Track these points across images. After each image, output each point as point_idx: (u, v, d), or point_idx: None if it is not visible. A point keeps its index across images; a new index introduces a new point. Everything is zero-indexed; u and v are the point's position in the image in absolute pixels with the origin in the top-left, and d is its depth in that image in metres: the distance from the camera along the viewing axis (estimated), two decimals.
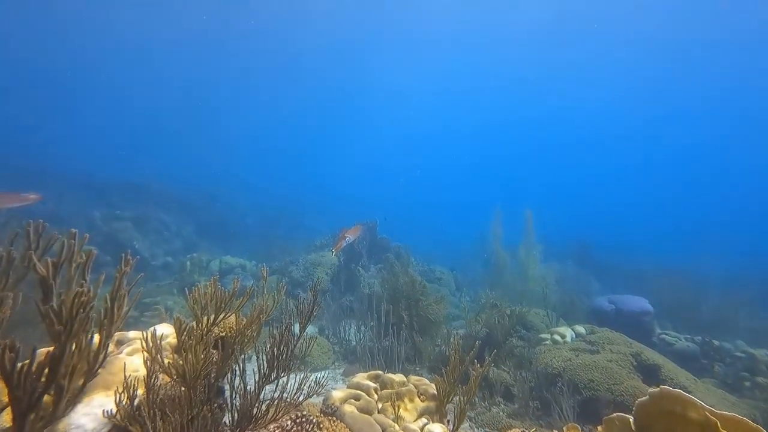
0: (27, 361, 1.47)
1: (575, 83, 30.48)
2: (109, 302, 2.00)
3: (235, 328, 2.38)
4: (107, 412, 1.69)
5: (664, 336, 5.97)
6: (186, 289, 2.32)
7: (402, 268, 5.60)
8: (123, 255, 2.04)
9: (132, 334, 2.72)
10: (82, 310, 1.69)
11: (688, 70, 26.36)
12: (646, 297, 7.05)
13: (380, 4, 23.04)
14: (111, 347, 2.55)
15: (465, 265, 11.82)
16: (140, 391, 1.98)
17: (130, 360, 2.26)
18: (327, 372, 5.14)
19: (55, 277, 1.75)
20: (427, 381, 2.52)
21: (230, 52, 28.14)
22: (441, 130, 43.42)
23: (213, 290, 2.24)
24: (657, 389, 1.58)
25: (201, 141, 41.00)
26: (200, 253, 9.95)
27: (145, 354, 2.03)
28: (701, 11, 20.21)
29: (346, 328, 5.95)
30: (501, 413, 4.13)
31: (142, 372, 2.12)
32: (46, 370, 1.56)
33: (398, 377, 2.47)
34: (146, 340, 2.02)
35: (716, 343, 5.64)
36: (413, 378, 2.55)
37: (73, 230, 1.93)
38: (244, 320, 2.47)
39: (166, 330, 2.87)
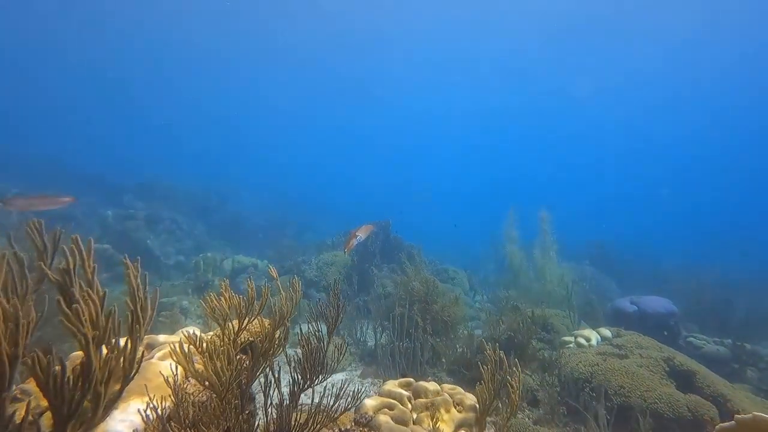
0: (59, 367, 1.38)
1: (588, 79, 30.05)
2: (131, 305, 1.90)
3: (261, 332, 2.29)
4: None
5: (691, 339, 5.77)
6: (204, 295, 2.23)
7: (415, 270, 5.47)
8: (135, 259, 1.93)
9: (162, 337, 2.64)
10: (111, 314, 1.60)
11: (719, 69, 25.82)
12: (668, 298, 6.85)
13: None
14: (141, 351, 2.48)
15: (477, 264, 11.67)
16: (169, 403, 1.91)
17: (164, 366, 2.19)
18: (344, 374, 5.04)
19: (71, 282, 1.66)
20: (462, 390, 2.40)
21: (240, 55, 28.27)
22: (452, 128, 43.06)
23: (229, 295, 2.16)
24: (749, 416, 1.41)
25: (210, 142, 41.29)
26: (213, 253, 9.92)
27: (175, 360, 1.95)
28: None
29: (362, 329, 5.84)
30: (526, 419, 3.99)
31: (178, 378, 2.05)
32: (81, 379, 1.48)
33: (432, 385, 2.35)
34: (178, 349, 1.94)
35: (748, 346, 5.42)
36: (446, 386, 2.43)
37: (74, 236, 1.82)
38: (268, 324, 2.38)
39: (195, 330, 2.80)
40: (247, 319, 2.29)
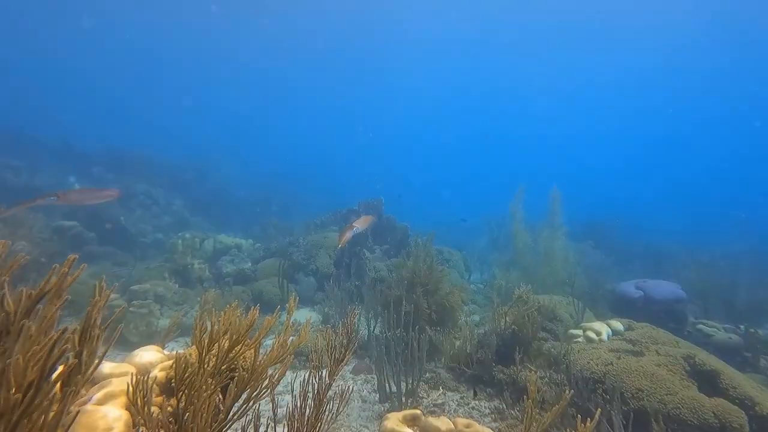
0: None
1: (591, 54, 29.13)
2: (78, 348, 1.34)
3: (249, 365, 1.74)
4: None
5: (700, 326, 5.50)
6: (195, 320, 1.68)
7: (424, 251, 5.00)
8: (97, 283, 1.39)
9: (107, 367, 2.01)
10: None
11: (718, 45, 25.13)
12: (671, 281, 6.57)
13: None
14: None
15: (470, 241, 11.31)
16: None
17: (102, 414, 1.62)
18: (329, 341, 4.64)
19: (28, 317, 1.15)
20: (480, 427, 1.95)
21: (222, 23, 26.37)
22: (448, 101, 41.77)
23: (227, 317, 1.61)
24: None
25: (187, 110, 39.23)
26: (193, 233, 9.27)
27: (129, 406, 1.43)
28: None
29: (354, 310, 5.39)
30: (534, 423, 3.64)
31: (119, 431, 1.52)
32: None
33: (444, 424, 1.89)
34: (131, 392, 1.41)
35: (761, 332, 5.17)
36: (461, 421, 1.97)
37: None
38: (262, 356, 1.84)
39: (152, 357, 2.21)
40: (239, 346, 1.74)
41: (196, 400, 1.39)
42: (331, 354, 1.70)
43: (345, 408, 1.75)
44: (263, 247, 8.22)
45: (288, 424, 1.50)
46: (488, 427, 3.51)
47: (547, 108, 39.34)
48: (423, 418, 1.96)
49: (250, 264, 7.58)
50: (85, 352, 1.37)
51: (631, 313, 5.90)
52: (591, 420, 1.88)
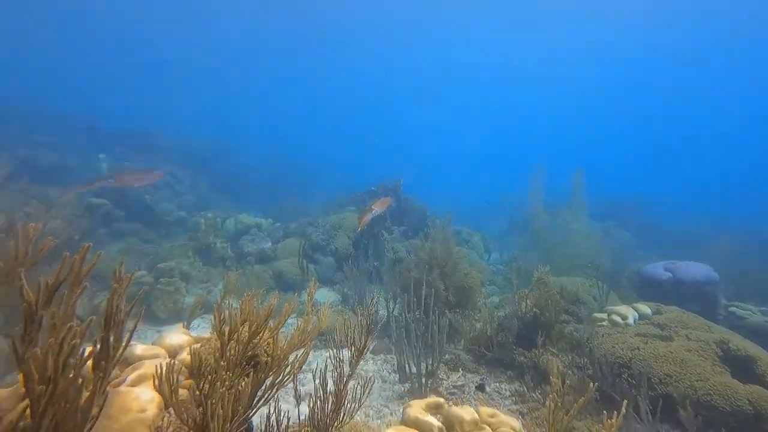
0: None
1: (608, 25, 27.45)
2: (102, 334, 1.36)
3: (272, 349, 1.73)
4: None
5: (733, 309, 5.28)
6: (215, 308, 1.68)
7: (442, 233, 4.92)
8: (116, 269, 1.39)
9: (139, 349, 2.07)
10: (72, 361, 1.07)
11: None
12: (702, 262, 6.29)
13: None
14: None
15: (491, 224, 11.13)
16: None
17: (135, 395, 1.66)
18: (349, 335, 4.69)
19: (47, 306, 1.18)
20: (504, 418, 1.91)
21: (234, 5, 25.92)
22: (463, 79, 40.42)
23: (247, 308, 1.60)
24: None
25: (205, 92, 39.34)
26: (214, 213, 9.45)
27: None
28: None
29: (373, 298, 5.40)
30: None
31: (151, 412, 1.56)
32: None
33: (468, 413, 1.86)
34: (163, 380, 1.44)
35: None
36: (485, 411, 1.94)
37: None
38: (284, 341, 1.83)
39: (180, 339, 2.26)
40: (260, 334, 1.73)
41: (217, 391, 1.39)
42: (351, 346, 1.67)
43: (367, 392, 1.73)
44: (282, 227, 8.29)
45: (310, 414, 1.49)
46: (509, 409, 3.51)
47: (567, 83, 37.61)
48: (446, 407, 1.94)
49: (270, 244, 7.68)
50: (111, 337, 1.39)
51: (659, 296, 5.71)
52: (617, 415, 1.81)
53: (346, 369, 1.64)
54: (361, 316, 1.82)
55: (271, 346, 1.72)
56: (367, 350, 1.78)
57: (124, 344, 1.44)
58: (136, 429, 1.55)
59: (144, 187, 11.18)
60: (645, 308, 4.47)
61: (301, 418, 2.29)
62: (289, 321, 5.44)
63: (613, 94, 39.24)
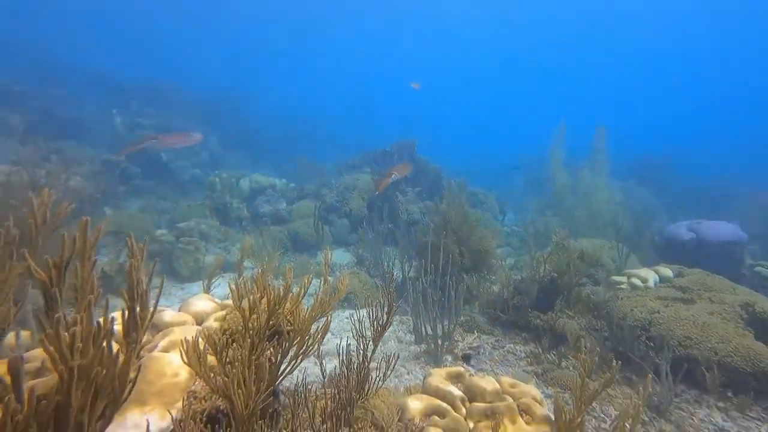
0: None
1: None
2: (129, 305, 1.38)
3: (294, 319, 1.74)
4: None
5: (759, 269, 5.14)
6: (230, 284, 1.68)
7: (457, 197, 4.81)
8: (128, 240, 1.37)
9: (168, 315, 2.14)
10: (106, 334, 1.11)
11: None
12: (728, 221, 6.04)
13: None
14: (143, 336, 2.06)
15: (506, 184, 10.88)
16: (181, 404, 1.52)
17: (168, 360, 1.72)
18: (370, 311, 4.78)
19: (60, 283, 1.21)
20: (525, 387, 1.91)
21: None
22: (476, 33, 37.94)
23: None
24: None
25: (216, 46, 38.02)
26: (229, 172, 9.43)
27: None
28: None
29: (389, 262, 5.44)
30: (571, 368, 3.66)
31: (184, 377, 1.62)
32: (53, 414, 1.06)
33: (489, 383, 1.86)
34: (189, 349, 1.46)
35: None
36: (506, 381, 1.94)
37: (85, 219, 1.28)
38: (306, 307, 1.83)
39: (205, 306, 2.32)
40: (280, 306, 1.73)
41: (243, 363, 1.41)
42: (373, 322, 1.65)
43: (392, 367, 1.73)
44: (297, 188, 8.26)
45: (336, 390, 1.51)
46: (524, 370, 3.57)
47: (587, 33, 34.92)
48: (467, 377, 1.95)
49: (285, 204, 7.69)
50: (138, 307, 1.40)
51: (681, 257, 5.58)
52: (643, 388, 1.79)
53: (368, 340, 1.62)
54: (381, 296, 1.78)
55: (294, 316, 1.72)
56: (389, 322, 1.76)
57: (151, 311, 1.46)
58: (171, 392, 1.61)
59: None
60: (667, 271, 4.37)
61: (324, 377, 2.37)
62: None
63: (640, 46, 36.47)
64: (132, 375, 1.27)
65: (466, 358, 3.64)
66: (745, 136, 28.93)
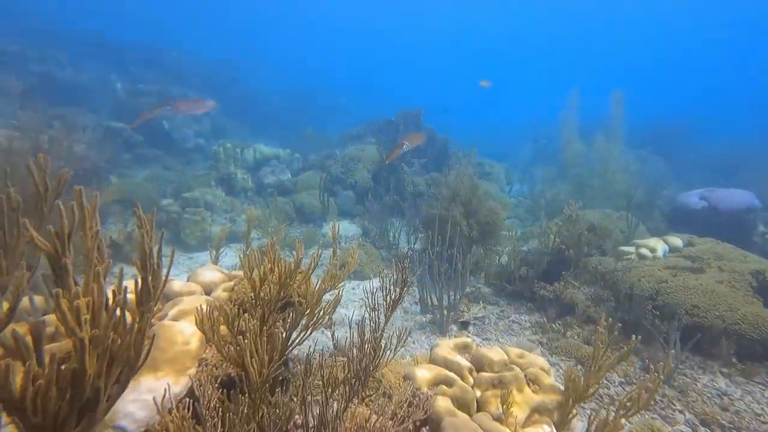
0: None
1: None
2: (142, 272, 1.38)
3: (305, 291, 1.74)
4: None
5: None
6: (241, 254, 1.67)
7: (466, 172, 4.71)
8: (136, 211, 1.34)
9: (177, 285, 2.16)
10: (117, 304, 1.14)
11: None
12: (744, 188, 5.89)
13: None
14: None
15: (514, 153, 10.67)
16: (193, 370, 1.58)
17: (179, 329, 1.76)
18: (378, 281, 4.81)
19: (66, 252, 1.20)
20: (533, 358, 1.91)
21: None
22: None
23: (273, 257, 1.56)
24: None
25: (216, 12, 36.59)
26: (233, 142, 9.30)
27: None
28: None
29: (395, 234, 5.42)
30: (576, 338, 3.70)
31: (194, 345, 1.66)
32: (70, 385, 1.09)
33: (496, 354, 1.87)
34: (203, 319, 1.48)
35: None
36: (513, 351, 1.95)
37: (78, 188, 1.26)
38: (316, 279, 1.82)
39: (213, 276, 2.33)
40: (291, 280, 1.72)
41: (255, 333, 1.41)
42: (386, 297, 1.63)
43: (401, 343, 1.73)
44: (302, 159, 8.16)
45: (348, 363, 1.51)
46: (529, 339, 3.61)
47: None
48: (474, 347, 1.96)
49: (289, 175, 7.63)
50: (150, 278, 1.40)
51: (692, 226, 5.50)
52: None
53: (381, 317, 1.62)
54: (395, 271, 1.76)
55: (304, 288, 1.72)
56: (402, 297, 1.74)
57: (163, 281, 1.47)
58: (182, 360, 1.64)
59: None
60: (676, 240, 4.32)
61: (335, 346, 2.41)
62: (311, 253, 5.58)
63: (652, 11, 34.56)
64: (147, 343, 1.29)
65: (464, 325, 3.71)
66: (761, 101, 27.88)
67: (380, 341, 1.43)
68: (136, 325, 1.22)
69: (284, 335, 1.66)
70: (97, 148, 7.69)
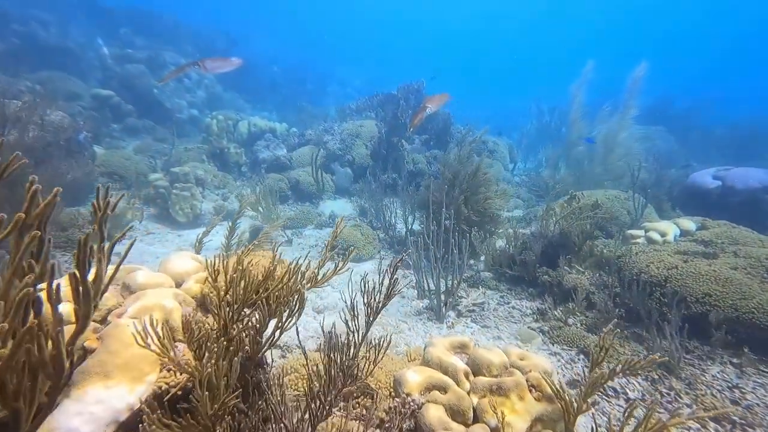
0: None
1: None
2: (76, 271, 1.18)
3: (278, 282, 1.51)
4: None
5: None
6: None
7: (468, 149, 4.43)
8: (97, 190, 1.20)
9: (142, 276, 1.80)
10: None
11: None
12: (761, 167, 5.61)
13: None
14: (113, 299, 1.79)
15: (518, 129, 10.29)
16: (153, 377, 1.37)
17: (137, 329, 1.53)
18: (372, 263, 4.63)
19: None
20: (535, 360, 1.72)
21: None
22: None
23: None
24: None
25: None
26: (226, 114, 8.93)
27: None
28: None
29: (392, 214, 5.19)
30: (579, 325, 3.53)
31: (155, 348, 1.45)
32: None
33: (496, 356, 1.68)
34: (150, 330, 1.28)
35: None
36: (514, 352, 1.76)
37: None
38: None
39: (186, 265, 2.03)
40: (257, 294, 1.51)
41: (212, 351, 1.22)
42: (368, 302, 1.42)
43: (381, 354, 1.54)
44: (298, 134, 7.83)
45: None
46: (529, 327, 3.45)
47: None
48: (472, 347, 1.77)
49: (285, 151, 7.33)
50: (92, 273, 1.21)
51: (705, 208, 5.27)
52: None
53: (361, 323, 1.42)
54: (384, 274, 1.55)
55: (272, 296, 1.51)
56: (392, 295, 1.54)
57: (108, 276, 1.26)
58: (139, 364, 1.43)
59: (147, 77, 10.46)
60: (688, 223, 4.09)
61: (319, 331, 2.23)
62: (306, 232, 5.38)
63: None
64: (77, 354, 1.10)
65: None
66: None
67: (356, 359, 1.23)
68: (50, 341, 1.02)
69: (254, 337, 1.48)
70: (80, 116, 7.28)
